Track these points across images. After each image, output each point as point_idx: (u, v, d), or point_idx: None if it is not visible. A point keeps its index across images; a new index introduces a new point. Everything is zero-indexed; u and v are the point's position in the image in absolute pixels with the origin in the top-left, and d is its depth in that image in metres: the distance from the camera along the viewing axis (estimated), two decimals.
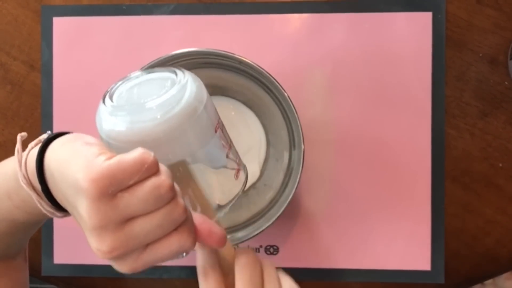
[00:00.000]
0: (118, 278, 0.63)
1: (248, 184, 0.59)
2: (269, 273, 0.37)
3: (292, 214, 0.61)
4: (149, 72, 0.39)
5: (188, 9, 0.61)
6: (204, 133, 0.37)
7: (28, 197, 0.35)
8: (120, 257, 0.30)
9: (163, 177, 0.29)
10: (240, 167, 0.43)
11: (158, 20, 0.62)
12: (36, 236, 0.63)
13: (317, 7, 0.61)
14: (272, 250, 0.61)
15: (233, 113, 0.59)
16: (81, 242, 0.62)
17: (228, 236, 0.40)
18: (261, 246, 0.61)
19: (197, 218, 0.34)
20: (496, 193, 0.59)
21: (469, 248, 0.60)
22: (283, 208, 0.51)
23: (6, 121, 0.63)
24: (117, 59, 0.62)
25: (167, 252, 0.30)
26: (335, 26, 0.60)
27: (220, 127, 0.39)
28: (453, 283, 0.60)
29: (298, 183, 0.50)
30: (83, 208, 0.28)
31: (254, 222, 0.55)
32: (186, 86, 0.36)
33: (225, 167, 0.41)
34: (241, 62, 0.51)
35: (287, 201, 0.51)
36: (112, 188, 0.28)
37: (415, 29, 0.60)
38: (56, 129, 0.63)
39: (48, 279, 0.64)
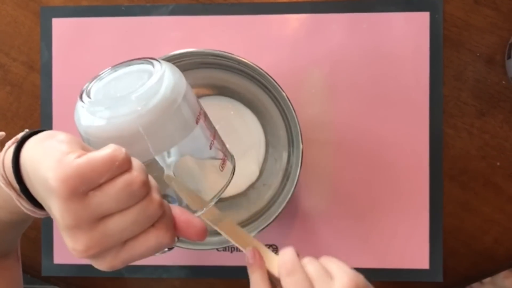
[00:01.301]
0: (118, 278, 0.63)
1: (247, 184, 0.59)
2: (318, 271, 0.37)
3: (291, 213, 0.61)
4: (127, 66, 0.38)
5: (186, 9, 0.62)
6: (185, 124, 0.35)
7: (9, 197, 0.34)
8: (96, 255, 0.29)
9: (136, 173, 0.29)
10: (227, 157, 0.42)
11: (156, 21, 0.62)
12: (36, 236, 0.63)
13: (315, 8, 0.61)
14: (271, 249, 0.61)
15: (232, 112, 0.59)
16: None
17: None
18: None
19: (176, 210, 0.33)
20: (494, 192, 0.60)
21: (467, 247, 0.60)
22: (282, 208, 0.51)
23: (5, 122, 0.64)
24: (116, 60, 0.62)
25: (145, 249, 0.30)
26: (333, 27, 0.61)
27: (202, 117, 0.38)
28: (451, 281, 0.60)
29: (297, 182, 0.51)
30: (55, 208, 0.28)
31: (253, 221, 0.55)
32: (163, 77, 0.35)
33: (209, 158, 0.40)
34: (239, 62, 0.51)
35: (286, 201, 0.51)
36: (82, 187, 0.27)
37: (412, 29, 0.60)
38: (55, 130, 0.63)
39: (48, 279, 0.64)
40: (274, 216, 0.51)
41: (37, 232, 0.63)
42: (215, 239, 0.54)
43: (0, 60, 0.63)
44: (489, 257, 0.60)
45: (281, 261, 0.38)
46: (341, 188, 0.61)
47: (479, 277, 0.61)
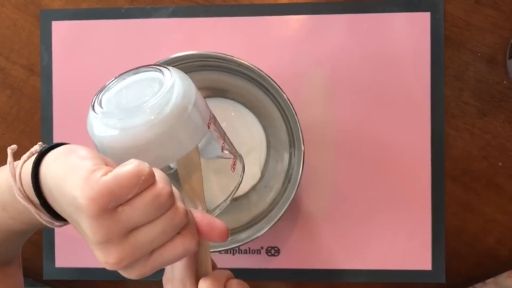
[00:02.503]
0: (120, 281, 0.63)
1: (249, 186, 0.59)
2: None
3: (293, 215, 0.61)
4: (134, 73, 0.38)
5: (187, 11, 0.62)
6: (197, 130, 0.36)
7: (24, 208, 0.34)
8: (127, 266, 0.30)
9: (161, 185, 0.29)
10: (236, 158, 0.43)
11: (157, 23, 0.62)
12: (38, 240, 0.63)
13: (315, 9, 0.61)
14: (273, 251, 0.61)
15: (233, 114, 0.59)
16: (82, 245, 0.63)
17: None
18: (262, 248, 0.61)
19: (197, 215, 0.34)
20: (496, 192, 0.60)
21: (470, 247, 0.60)
22: (284, 210, 0.51)
23: (6, 125, 0.64)
24: (116, 63, 0.62)
25: (172, 256, 0.31)
26: (333, 28, 0.60)
27: (212, 121, 0.39)
28: (454, 282, 0.60)
29: (299, 184, 0.51)
30: (85, 225, 0.29)
31: (255, 224, 0.55)
32: (174, 85, 0.35)
33: (221, 159, 0.41)
34: (240, 64, 0.51)
35: (288, 203, 0.51)
36: (111, 204, 0.28)
37: (413, 30, 0.60)
38: (56, 133, 0.63)
39: (49, 283, 0.64)
40: (276, 219, 0.51)
41: (39, 235, 0.63)
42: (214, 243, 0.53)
43: (0, 64, 0.63)
44: (491, 257, 0.60)
45: (211, 272, 0.38)
46: (342, 189, 0.61)
47: (482, 278, 0.61)
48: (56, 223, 0.35)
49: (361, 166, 0.60)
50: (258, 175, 0.59)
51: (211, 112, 0.39)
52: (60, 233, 0.63)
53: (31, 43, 0.63)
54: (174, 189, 0.31)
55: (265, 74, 0.50)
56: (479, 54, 0.59)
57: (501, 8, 0.59)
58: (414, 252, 0.60)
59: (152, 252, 0.31)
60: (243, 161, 0.44)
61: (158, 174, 0.30)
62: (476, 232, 0.60)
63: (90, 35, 0.62)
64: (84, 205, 0.28)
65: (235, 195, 0.59)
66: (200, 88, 0.55)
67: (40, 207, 0.33)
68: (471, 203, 0.60)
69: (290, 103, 0.50)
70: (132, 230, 0.29)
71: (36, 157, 0.33)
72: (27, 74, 0.63)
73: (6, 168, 0.35)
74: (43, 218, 0.34)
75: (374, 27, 0.60)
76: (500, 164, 0.60)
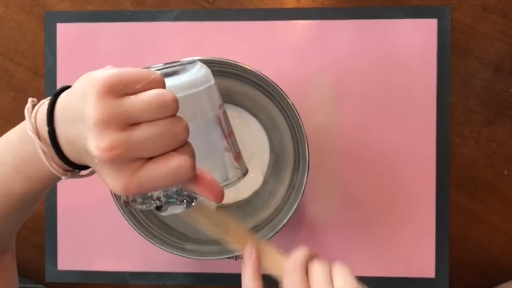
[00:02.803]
0: (122, 285, 0.63)
1: (251, 191, 0.59)
2: (320, 277, 0.37)
3: (297, 221, 0.61)
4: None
5: (192, 15, 0.61)
6: (212, 103, 0.41)
7: (30, 154, 0.35)
8: (117, 159, 0.29)
9: (168, 91, 0.30)
10: (241, 158, 0.45)
11: (162, 27, 0.62)
12: (40, 243, 0.63)
13: (321, 14, 0.60)
14: None
15: (237, 121, 0.59)
16: (84, 248, 0.62)
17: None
18: None
19: (200, 168, 0.33)
20: (501, 201, 0.59)
21: (474, 256, 0.60)
22: (288, 217, 0.51)
23: (10, 127, 0.63)
24: (120, 66, 0.62)
25: (165, 170, 0.30)
26: (340, 33, 0.60)
27: (223, 109, 0.43)
28: None
29: (304, 190, 0.50)
30: (90, 103, 0.29)
31: (259, 229, 0.55)
32: (203, 66, 0.42)
33: (225, 149, 0.43)
34: (245, 70, 0.50)
35: (293, 210, 0.51)
36: (119, 86, 0.29)
37: (420, 36, 0.59)
38: None
39: (52, 286, 0.64)
40: (281, 225, 0.51)
41: (41, 238, 0.63)
42: (219, 247, 0.53)
43: (5, 65, 0.63)
44: (496, 266, 0.60)
45: (287, 262, 0.38)
46: (347, 195, 0.60)
47: (485, 287, 0.61)
48: (60, 169, 0.34)
49: (366, 173, 0.60)
50: (261, 180, 0.59)
51: (223, 103, 0.43)
52: (63, 235, 0.63)
53: (36, 45, 0.63)
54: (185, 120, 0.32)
55: (270, 80, 0.50)
56: (486, 62, 0.59)
57: (509, 16, 0.58)
58: (418, 259, 0.60)
59: (145, 162, 0.30)
60: (246, 168, 0.46)
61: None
62: (481, 240, 0.60)
63: (95, 38, 0.62)
64: (95, 81, 0.29)
65: (238, 199, 0.59)
66: None
67: (48, 143, 0.33)
68: (476, 211, 0.59)
69: (295, 109, 0.50)
70: (132, 125, 0.30)
71: (55, 94, 0.34)
72: (32, 76, 0.63)
73: (18, 126, 0.36)
74: (49, 155, 0.34)
75: (380, 33, 0.60)
76: (505, 172, 0.59)
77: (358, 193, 0.60)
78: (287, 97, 0.50)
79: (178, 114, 0.32)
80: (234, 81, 0.54)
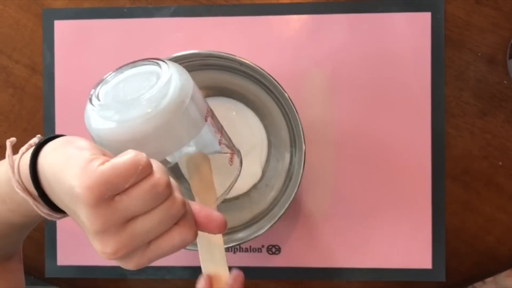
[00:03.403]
0: (121, 279, 0.63)
1: (250, 185, 0.59)
2: None
3: (294, 214, 0.61)
4: (132, 67, 0.39)
5: (188, 11, 0.62)
6: (194, 124, 0.36)
7: (23, 201, 0.34)
8: (125, 256, 0.30)
9: (158, 175, 0.29)
10: (234, 152, 0.43)
11: (159, 23, 0.62)
12: (39, 238, 0.63)
13: (316, 8, 0.61)
14: (274, 250, 0.61)
15: (234, 113, 0.59)
16: (84, 243, 0.63)
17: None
18: (263, 246, 0.62)
19: (195, 206, 0.34)
20: (496, 192, 0.60)
21: (470, 247, 0.60)
22: (284, 209, 0.51)
23: (8, 124, 0.64)
24: (118, 62, 0.62)
25: (170, 247, 0.31)
26: (334, 27, 0.61)
27: (210, 115, 0.39)
28: (454, 281, 0.60)
29: (300, 183, 0.51)
30: (83, 214, 0.29)
31: (256, 222, 0.55)
32: (171, 79, 0.35)
33: (219, 153, 0.41)
34: (241, 63, 0.51)
35: (289, 202, 0.51)
36: (108, 193, 0.28)
37: (414, 30, 0.60)
38: (58, 131, 0.63)
39: (51, 281, 0.64)
40: (277, 217, 0.51)
41: (40, 234, 0.63)
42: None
43: (3, 63, 0.63)
44: (491, 256, 0.60)
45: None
46: (343, 188, 0.61)
47: (481, 277, 0.61)
48: (55, 215, 0.35)
49: (362, 165, 0.61)
50: (259, 173, 0.59)
51: (208, 106, 0.39)
52: (62, 231, 0.63)
53: (34, 42, 0.63)
54: (172, 180, 0.31)
55: (267, 73, 0.50)
56: (480, 54, 0.60)
57: (502, 8, 0.59)
58: (415, 250, 0.60)
59: (149, 242, 0.31)
60: (240, 155, 0.44)
61: (156, 165, 0.30)
62: (476, 231, 0.60)
63: (92, 34, 0.63)
64: (81, 194, 0.28)
65: (236, 194, 0.59)
66: (201, 87, 0.56)
67: (39, 199, 0.33)
68: (471, 202, 0.60)
69: (292, 102, 0.51)
70: (129, 220, 0.29)
71: (34, 148, 0.33)
72: (30, 73, 0.63)
73: (5, 161, 0.35)
74: (42, 210, 0.34)
75: (374, 27, 0.60)
76: (500, 163, 0.60)
77: (355, 185, 0.61)
78: (284, 90, 0.51)
79: (164, 145, 0.32)
80: (231, 75, 0.55)
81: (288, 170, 0.57)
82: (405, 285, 0.61)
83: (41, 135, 0.34)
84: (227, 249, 0.61)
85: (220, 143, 0.40)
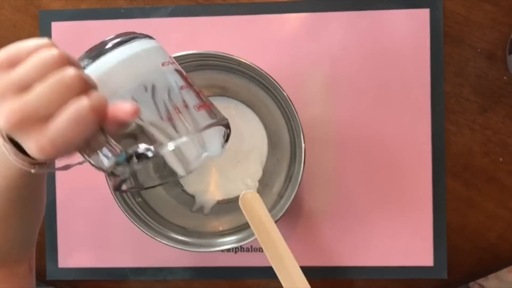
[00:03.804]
0: (122, 281, 0.63)
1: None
2: None
3: (294, 213, 0.61)
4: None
5: (186, 11, 0.62)
6: (157, 59, 0.40)
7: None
8: (20, 125, 0.30)
9: (51, 48, 0.31)
10: (211, 108, 0.42)
11: (156, 23, 0.62)
12: (40, 241, 0.63)
13: (314, 6, 0.61)
14: None
15: (234, 112, 0.59)
16: (85, 245, 0.63)
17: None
18: None
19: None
20: (497, 188, 0.60)
21: (471, 243, 0.60)
22: (285, 209, 0.51)
23: None
24: None
25: (65, 119, 0.30)
26: (333, 25, 0.60)
27: (172, 65, 0.41)
28: (456, 278, 0.60)
29: (300, 182, 0.51)
30: None
31: None
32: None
33: (183, 99, 0.39)
34: (240, 63, 0.51)
35: (290, 201, 0.51)
36: (6, 61, 0.31)
37: (413, 26, 0.60)
38: None
39: (53, 283, 0.64)
40: (278, 217, 0.51)
41: (41, 236, 0.63)
42: (219, 240, 0.54)
43: None
44: (493, 253, 0.60)
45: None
46: (343, 186, 0.61)
47: (483, 273, 0.61)
48: (23, 161, 0.34)
49: (362, 163, 0.61)
50: (260, 173, 0.59)
51: (171, 59, 0.41)
52: (63, 233, 0.63)
53: None
54: (74, 61, 0.32)
55: (265, 72, 0.50)
56: (479, 50, 0.59)
57: (501, 4, 0.59)
58: (416, 248, 0.60)
59: (48, 119, 0.30)
60: (227, 121, 0.43)
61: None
62: (478, 228, 0.60)
63: (89, 35, 0.62)
64: None
65: (237, 194, 0.59)
66: (200, 87, 0.56)
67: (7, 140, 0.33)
68: (472, 199, 0.60)
69: (290, 101, 0.50)
70: (26, 90, 0.30)
71: None
72: None
73: None
74: (12, 151, 0.33)
75: (373, 24, 0.60)
76: (501, 159, 0.60)
77: (355, 183, 0.61)
78: (282, 89, 0.50)
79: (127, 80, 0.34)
80: (230, 75, 0.55)
81: (288, 169, 0.57)
82: (407, 283, 0.61)
83: None
84: (228, 250, 0.61)
85: (182, 88, 0.39)
